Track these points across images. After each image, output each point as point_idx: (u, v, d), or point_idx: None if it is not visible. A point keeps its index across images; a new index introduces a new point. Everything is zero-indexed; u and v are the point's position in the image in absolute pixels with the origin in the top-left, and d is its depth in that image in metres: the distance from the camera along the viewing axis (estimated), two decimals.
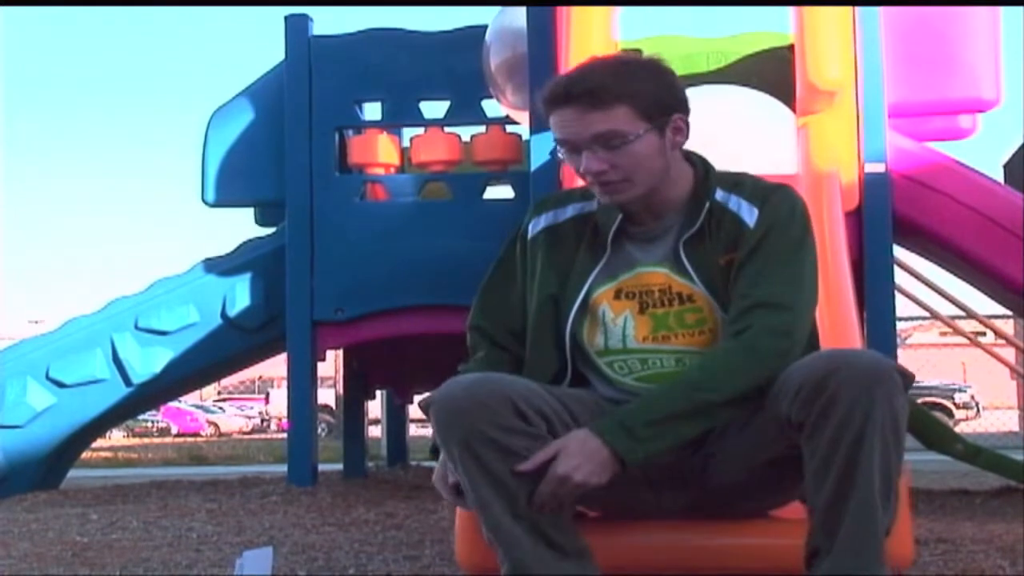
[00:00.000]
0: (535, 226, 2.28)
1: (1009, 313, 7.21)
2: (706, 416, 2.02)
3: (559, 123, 2.15)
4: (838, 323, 3.25)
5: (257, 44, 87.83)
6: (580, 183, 2.23)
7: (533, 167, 4.94)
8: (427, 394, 2.05)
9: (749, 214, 2.15)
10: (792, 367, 1.98)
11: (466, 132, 6.23)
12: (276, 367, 7.67)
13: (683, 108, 2.16)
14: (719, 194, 2.18)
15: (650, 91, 2.12)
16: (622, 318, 2.18)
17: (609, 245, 2.19)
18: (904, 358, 5.88)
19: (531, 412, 1.99)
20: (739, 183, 2.20)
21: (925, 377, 16.11)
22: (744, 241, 2.13)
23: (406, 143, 6.52)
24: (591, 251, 2.21)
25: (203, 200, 6.29)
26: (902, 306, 5.81)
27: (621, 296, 2.19)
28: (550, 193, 2.43)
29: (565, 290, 2.20)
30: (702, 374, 2.04)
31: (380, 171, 6.22)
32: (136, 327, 6.09)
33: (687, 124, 2.17)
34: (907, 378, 1.95)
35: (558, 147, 2.18)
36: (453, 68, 5.99)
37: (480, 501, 2.00)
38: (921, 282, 5.91)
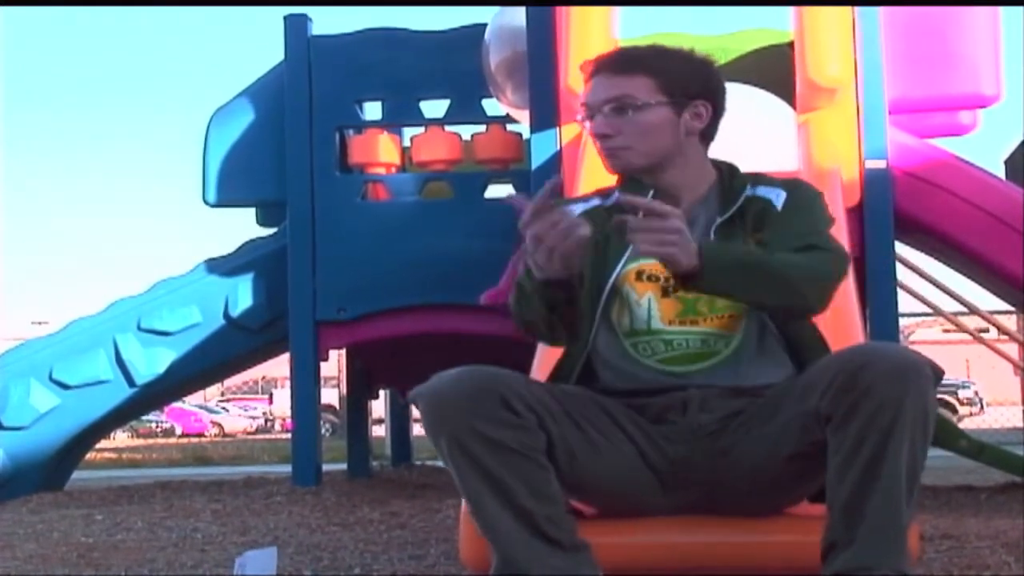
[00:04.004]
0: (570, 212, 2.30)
1: (1012, 309, 7.20)
2: (781, 287, 2.05)
3: (587, 90, 2.22)
4: (840, 320, 3.23)
5: (257, 44, 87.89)
6: (578, 189, 2.26)
7: (534, 166, 4.94)
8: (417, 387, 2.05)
9: (777, 197, 2.22)
10: (824, 360, 2.00)
11: (467, 131, 6.24)
12: (279, 367, 7.69)
13: (711, 97, 2.22)
14: (747, 188, 2.24)
15: (678, 71, 2.19)
16: (645, 299, 2.20)
17: None
18: None
19: (520, 405, 1.98)
20: (760, 177, 2.28)
21: None
22: (772, 219, 2.19)
23: (407, 142, 6.52)
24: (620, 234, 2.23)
25: (204, 200, 6.29)
26: (904, 303, 5.82)
27: (643, 278, 2.21)
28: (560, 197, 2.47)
29: (603, 268, 2.22)
30: (789, 259, 2.07)
31: (381, 171, 6.22)
32: (139, 328, 6.09)
33: (708, 113, 2.22)
34: (938, 373, 1.96)
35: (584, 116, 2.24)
36: (453, 67, 5.98)
37: (471, 495, 2.00)
38: (923, 278, 5.91)
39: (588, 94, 2.21)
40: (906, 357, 1.93)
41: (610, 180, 2.38)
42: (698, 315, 2.17)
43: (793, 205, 2.21)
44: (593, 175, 4.17)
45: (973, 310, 6.39)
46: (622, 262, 2.21)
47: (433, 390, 2.01)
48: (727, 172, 2.26)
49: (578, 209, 2.29)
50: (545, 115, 4.83)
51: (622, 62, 2.19)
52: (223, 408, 27.70)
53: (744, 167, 2.33)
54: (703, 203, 2.23)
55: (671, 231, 1.93)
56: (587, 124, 2.24)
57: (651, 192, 2.21)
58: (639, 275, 2.21)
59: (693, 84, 2.20)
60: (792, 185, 2.26)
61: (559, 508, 2.01)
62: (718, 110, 2.23)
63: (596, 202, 2.32)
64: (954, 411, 17.69)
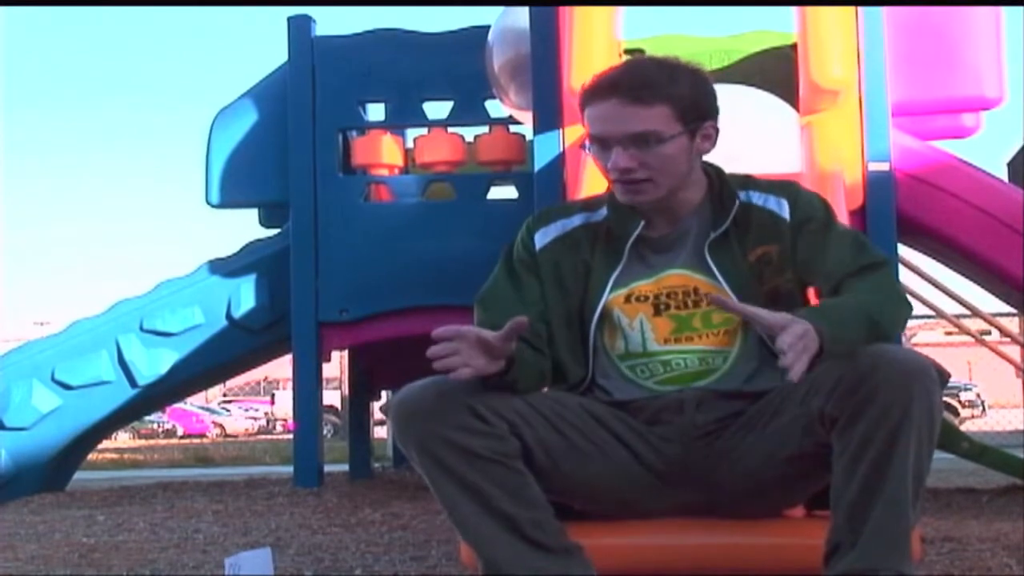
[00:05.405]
0: (544, 236, 2.25)
1: (1014, 311, 7.20)
2: (875, 335, 2.01)
3: (597, 116, 2.14)
4: None
5: (261, 45, 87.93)
6: (581, 191, 2.24)
7: (537, 167, 4.93)
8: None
9: (779, 206, 2.19)
10: (830, 362, 1.97)
11: (469, 132, 6.24)
12: (281, 368, 7.70)
13: (715, 116, 2.19)
14: (740, 194, 2.21)
15: (690, 94, 2.15)
16: (637, 321, 2.18)
17: (626, 253, 2.19)
18: None
19: (488, 412, 1.98)
20: (749, 181, 2.24)
21: None
22: (784, 232, 2.16)
23: (410, 144, 6.52)
24: (606, 258, 2.21)
25: (207, 201, 6.30)
26: None
27: (632, 300, 2.19)
28: (548, 207, 2.42)
29: (586, 298, 2.19)
30: (874, 302, 2.04)
31: (384, 172, 6.23)
32: (141, 329, 6.10)
33: (716, 133, 2.19)
34: (943, 376, 1.96)
35: (588, 142, 2.17)
36: (456, 68, 5.99)
37: (447, 502, 2.00)
38: (926, 281, 5.90)
39: (603, 123, 2.12)
40: (913, 360, 1.93)
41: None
42: (693, 332, 2.16)
43: (812, 217, 2.17)
44: (596, 178, 4.17)
45: (975, 312, 6.39)
46: (608, 287, 2.19)
47: (400, 400, 2.01)
48: (716, 178, 2.23)
49: (575, 222, 2.26)
50: (548, 117, 4.82)
51: (639, 89, 2.11)
52: (225, 409, 27.70)
53: (745, 169, 2.31)
54: (696, 212, 2.21)
55: (808, 348, 1.87)
56: (588, 148, 2.17)
57: (640, 224, 2.18)
58: (628, 298, 2.19)
59: (703, 105, 2.17)
60: (788, 190, 2.22)
61: (543, 512, 2.00)
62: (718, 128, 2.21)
63: (578, 221, 2.26)
64: (956, 413, 17.68)
